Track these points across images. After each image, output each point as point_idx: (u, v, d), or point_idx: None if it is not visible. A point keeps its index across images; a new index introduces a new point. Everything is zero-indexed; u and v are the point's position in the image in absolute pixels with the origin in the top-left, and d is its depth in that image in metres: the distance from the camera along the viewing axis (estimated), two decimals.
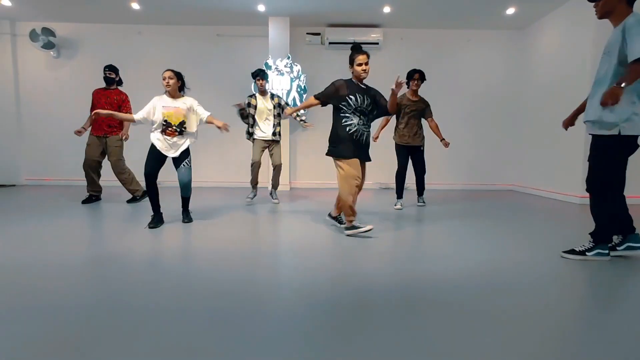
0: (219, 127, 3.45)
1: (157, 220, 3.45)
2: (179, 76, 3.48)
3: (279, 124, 4.71)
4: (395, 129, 4.62)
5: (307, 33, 6.49)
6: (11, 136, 6.64)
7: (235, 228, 3.43)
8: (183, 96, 3.54)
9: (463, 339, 1.42)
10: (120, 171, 4.64)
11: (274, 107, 4.63)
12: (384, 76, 6.52)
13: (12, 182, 6.65)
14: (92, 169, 4.60)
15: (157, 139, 3.42)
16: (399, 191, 4.65)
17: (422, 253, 2.66)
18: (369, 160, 3.21)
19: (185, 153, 3.51)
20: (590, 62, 4.86)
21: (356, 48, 3.08)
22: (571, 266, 2.35)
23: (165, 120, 3.39)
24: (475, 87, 6.75)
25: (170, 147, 3.44)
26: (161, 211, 3.51)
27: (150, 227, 3.33)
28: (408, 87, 4.53)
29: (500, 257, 2.53)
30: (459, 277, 2.11)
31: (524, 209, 4.69)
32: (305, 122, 4.82)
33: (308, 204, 4.92)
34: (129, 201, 4.76)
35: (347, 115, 3.06)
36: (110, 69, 4.62)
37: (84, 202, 4.64)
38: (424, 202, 4.82)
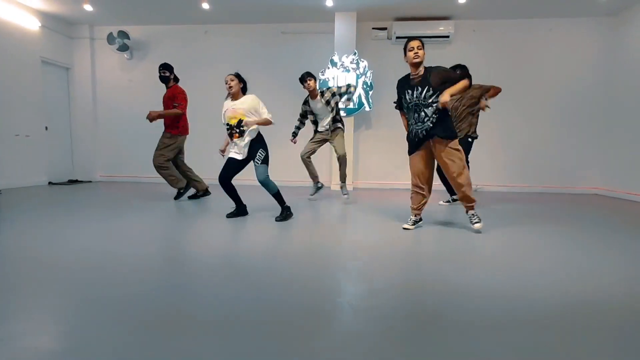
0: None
1: (236, 212, 3.66)
2: (240, 78, 3.49)
3: (333, 111, 4.51)
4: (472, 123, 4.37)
5: (373, 28, 6.28)
6: (89, 135, 7.01)
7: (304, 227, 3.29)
8: (244, 95, 3.52)
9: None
10: (159, 165, 4.54)
11: (326, 104, 4.46)
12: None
13: (88, 179, 7.02)
14: (173, 164, 4.69)
15: (230, 147, 3.50)
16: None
17: (492, 263, 2.33)
18: (438, 136, 2.98)
19: (254, 151, 3.46)
20: None
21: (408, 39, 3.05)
22: None
23: (228, 124, 3.44)
24: (557, 82, 6.18)
25: (239, 151, 3.44)
26: (244, 203, 3.70)
27: (227, 216, 3.62)
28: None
29: (587, 271, 2.16)
30: (527, 293, 1.80)
31: (617, 215, 4.15)
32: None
33: (371, 204, 4.70)
34: (175, 198, 4.72)
35: (408, 115, 3.15)
36: (164, 67, 4.59)
37: (175, 198, 4.74)
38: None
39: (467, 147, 4.24)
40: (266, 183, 3.48)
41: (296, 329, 1.40)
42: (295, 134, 4.76)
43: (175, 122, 4.59)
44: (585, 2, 5.50)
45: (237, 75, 3.47)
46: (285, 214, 3.51)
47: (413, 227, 3.20)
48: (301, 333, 1.37)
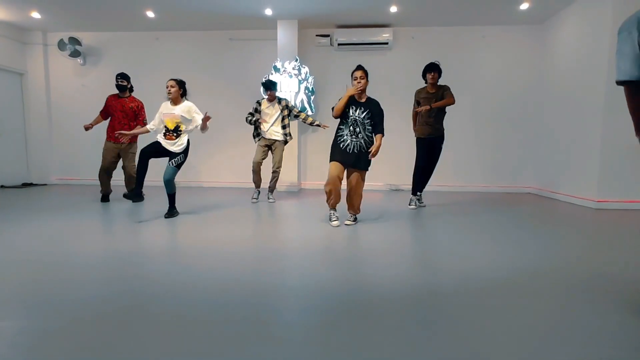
0: (203, 127, 3.75)
1: (131, 194, 4.18)
2: (180, 84, 3.76)
3: (288, 125, 4.97)
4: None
5: (317, 35, 6.51)
6: (43, 139, 7.15)
7: (234, 226, 3.51)
8: (183, 101, 3.79)
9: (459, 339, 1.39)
10: (129, 177, 4.88)
11: (282, 110, 4.88)
12: (394, 76, 6.47)
13: (43, 182, 7.15)
14: (107, 172, 4.87)
15: (160, 139, 3.76)
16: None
17: (427, 258, 2.59)
18: (358, 168, 3.44)
19: (178, 153, 3.75)
20: (609, 58, 4.52)
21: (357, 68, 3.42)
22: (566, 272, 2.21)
23: (165, 127, 3.74)
24: (491, 85, 6.49)
25: (170, 146, 3.74)
26: (142, 190, 4.01)
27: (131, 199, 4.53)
28: (426, 83, 4.66)
29: (493, 264, 2.43)
30: (458, 283, 2.05)
31: (537, 213, 4.44)
32: (318, 124, 4.94)
33: (313, 204, 4.93)
34: (125, 195, 4.92)
35: (340, 127, 3.49)
36: (122, 76, 4.77)
37: (103, 200, 4.93)
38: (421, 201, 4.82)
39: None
40: (169, 184, 3.79)
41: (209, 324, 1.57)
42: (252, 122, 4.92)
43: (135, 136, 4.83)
44: (511, 12, 5.81)
45: (179, 82, 3.75)
46: (172, 212, 3.88)
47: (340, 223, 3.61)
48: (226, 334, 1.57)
